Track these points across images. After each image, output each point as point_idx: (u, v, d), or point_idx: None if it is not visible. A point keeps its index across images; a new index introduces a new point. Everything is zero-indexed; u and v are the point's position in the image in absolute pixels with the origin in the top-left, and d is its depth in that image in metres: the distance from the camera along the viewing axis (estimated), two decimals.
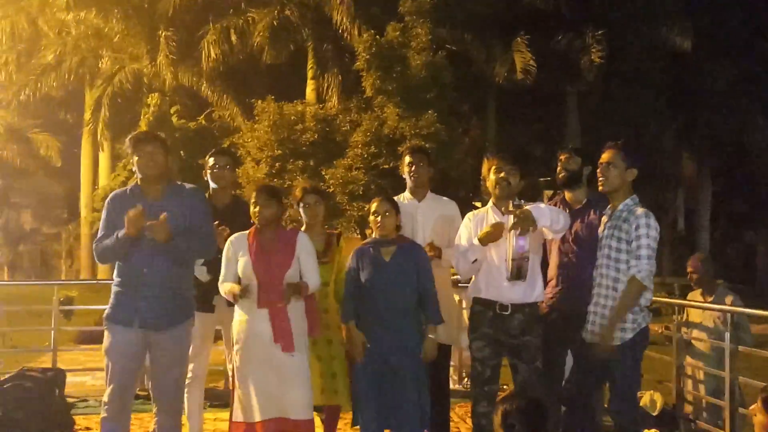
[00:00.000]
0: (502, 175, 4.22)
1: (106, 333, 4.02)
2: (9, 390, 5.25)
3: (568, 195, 4.55)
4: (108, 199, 4.11)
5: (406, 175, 4.85)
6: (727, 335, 4.97)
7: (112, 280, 4.13)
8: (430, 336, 4.21)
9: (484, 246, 4.16)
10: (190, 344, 4.24)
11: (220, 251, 4.28)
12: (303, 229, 4.62)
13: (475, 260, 4.22)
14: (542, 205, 4.17)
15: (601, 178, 4.08)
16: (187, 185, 4.19)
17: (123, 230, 3.84)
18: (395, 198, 4.89)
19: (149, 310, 3.94)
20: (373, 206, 4.31)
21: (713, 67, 20.80)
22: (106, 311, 4.04)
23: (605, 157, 4.08)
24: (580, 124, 19.99)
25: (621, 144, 4.11)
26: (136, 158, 4.01)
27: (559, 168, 4.58)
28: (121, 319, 3.97)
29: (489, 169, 4.30)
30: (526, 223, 3.96)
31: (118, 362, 3.97)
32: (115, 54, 22.06)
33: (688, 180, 24.89)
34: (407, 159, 4.83)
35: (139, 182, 4.07)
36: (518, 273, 4.05)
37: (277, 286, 4.08)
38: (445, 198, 4.94)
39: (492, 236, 4.09)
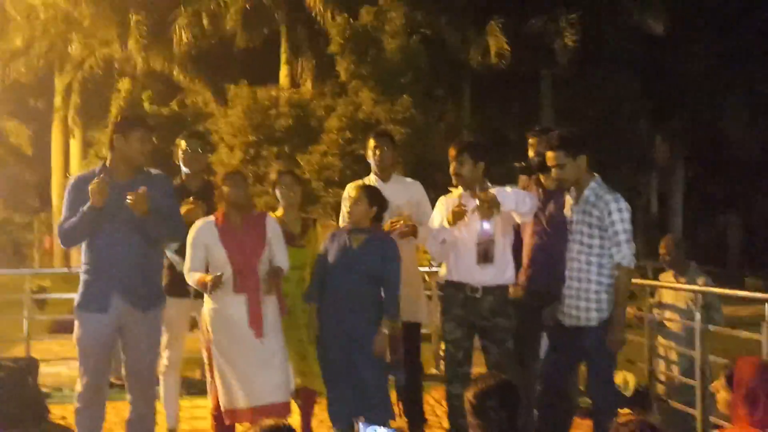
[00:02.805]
0: (453, 166, 4.28)
1: (77, 322, 3.98)
2: None
3: (542, 176, 4.59)
4: (72, 181, 4.04)
5: (370, 159, 4.89)
6: (698, 315, 5.05)
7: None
8: (383, 330, 4.23)
9: (452, 227, 4.20)
10: (161, 330, 4.22)
11: None
12: (280, 212, 4.62)
13: (443, 241, 4.27)
14: (508, 189, 4.23)
15: (556, 177, 4.13)
16: (154, 171, 4.15)
17: (87, 204, 3.77)
18: (360, 181, 4.94)
19: (124, 293, 3.91)
20: (352, 193, 4.38)
21: (689, 49, 20.93)
22: (76, 300, 3.99)
23: (549, 158, 4.12)
24: (555, 108, 20.08)
25: (558, 142, 4.10)
26: (134, 145, 3.92)
27: (531, 152, 4.63)
28: (95, 306, 3.92)
29: (451, 157, 4.34)
30: (490, 207, 4.01)
31: (92, 351, 3.94)
32: (85, 39, 21.70)
33: (661, 163, 25.11)
34: (372, 143, 4.89)
35: (108, 164, 4.01)
36: (485, 256, 4.15)
37: (253, 271, 4.09)
38: (409, 179, 5.02)
39: (454, 220, 4.15)
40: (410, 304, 4.64)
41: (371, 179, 4.88)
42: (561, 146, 4.07)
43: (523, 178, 4.75)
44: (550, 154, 4.11)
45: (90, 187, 3.75)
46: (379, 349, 4.23)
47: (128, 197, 3.75)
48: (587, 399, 4.90)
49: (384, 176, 4.85)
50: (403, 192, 4.80)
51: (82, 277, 4.00)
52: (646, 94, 21.03)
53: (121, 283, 3.92)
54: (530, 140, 4.66)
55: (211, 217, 4.22)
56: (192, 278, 4.15)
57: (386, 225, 4.53)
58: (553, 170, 4.12)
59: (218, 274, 4.01)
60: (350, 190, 4.65)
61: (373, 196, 4.37)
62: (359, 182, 4.74)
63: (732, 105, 21.75)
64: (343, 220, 4.69)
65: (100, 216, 3.81)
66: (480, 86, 19.53)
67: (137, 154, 3.96)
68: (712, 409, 4.69)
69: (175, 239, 4.22)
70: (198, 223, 4.20)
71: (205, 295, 4.21)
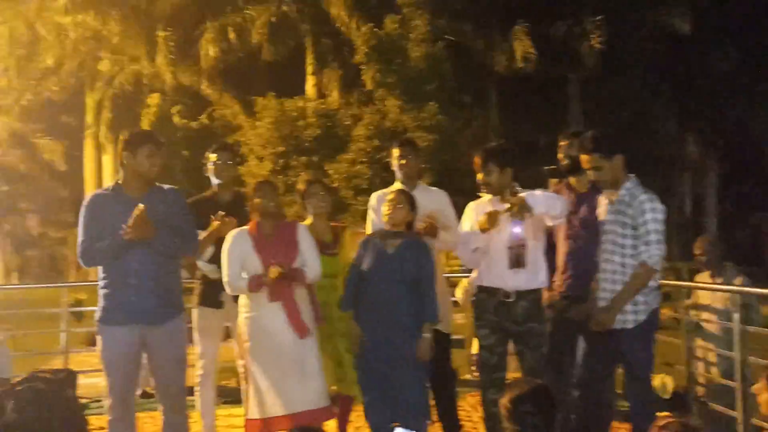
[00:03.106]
0: (480, 176, 4.26)
1: (99, 337, 3.99)
2: (22, 392, 5.25)
3: (572, 180, 4.56)
4: (87, 200, 4.02)
5: (395, 168, 4.86)
6: (737, 316, 4.97)
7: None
8: (425, 335, 4.19)
9: (483, 234, 4.17)
10: (186, 340, 4.22)
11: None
12: (309, 221, 4.64)
13: (476, 249, 4.24)
14: (537, 192, 4.18)
15: (594, 178, 4.09)
16: (165, 186, 4.17)
17: (121, 233, 3.77)
18: (385, 190, 4.93)
19: (144, 305, 3.91)
20: (390, 195, 4.33)
21: (716, 49, 20.70)
22: (97, 314, 3.99)
23: (584, 162, 4.08)
24: (583, 111, 19.94)
25: (593, 144, 4.06)
26: (144, 160, 3.94)
27: (561, 154, 4.59)
28: (117, 319, 3.93)
29: (477, 165, 4.32)
30: (520, 211, 3.98)
31: (117, 364, 3.95)
32: (115, 56, 22.01)
33: (693, 164, 24.78)
34: (396, 152, 4.84)
35: (120, 182, 4.03)
36: (517, 260, 4.11)
37: (287, 278, 4.10)
38: (434, 188, 4.99)
39: (488, 224, 4.11)
40: (443, 314, 4.61)
41: (395, 188, 4.85)
42: (596, 148, 4.03)
43: (553, 181, 4.72)
44: (585, 157, 4.07)
45: (131, 223, 3.75)
46: (423, 353, 4.19)
47: (128, 225, 3.73)
48: (625, 402, 4.85)
49: (410, 185, 4.82)
50: (428, 201, 4.77)
51: (101, 291, 3.99)
52: (674, 94, 20.82)
53: (136, 297, 3.91)
54: (561, 143, 4.62)
55: (245, 228, 4.26)
56: (236, 285, 4.14)
57: (418, 226, 4.52)
58: (589, 173, 4.08)
59: (275, 272, 4.01)
60: (374, 198, 4.65)
61: (412, 200, 4.36)
62: (386, 190, 4.74)
63: (762, 102, 21.43)
64: (372, 227, 4.68)
65: (130, 245, 3.82)
66: (506, 91, 19.46)
67: (147, 169, 3.96)
68: (754, 411, 4.61)
69: (188, 251, 4.21)
70: (232, 233, 4.24)
71: (240, 304, 4.23)
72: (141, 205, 3.78)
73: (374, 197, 4.73)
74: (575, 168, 4.50)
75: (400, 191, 4.39)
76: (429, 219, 4.47)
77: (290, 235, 4.25)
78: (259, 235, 4.20)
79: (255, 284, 4.09)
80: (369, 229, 4.68)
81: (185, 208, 4.17)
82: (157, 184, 4.12)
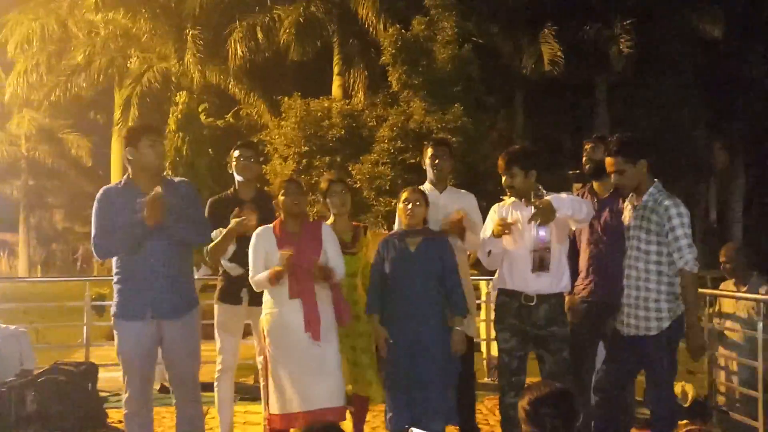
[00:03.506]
0: (504, 179, 4.23)
1: (116, 331, 4.03)
2: (44, 384, 5.35)
3: (595, 184, 4.54)
4: (99, 194, 4.04)
5: (428, 167, 4.88)
6: (761, 325, 4.91)
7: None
8: (457, 328, 4.22)
9: (496, 238, 4.15)
10: (199, 335, 4.24)
11: (246, 242, 4.29)
12: (331, 220, 4.66)
13: (489, 252, 4.22)
14: (563, 195, 4.12)
15: (617, 182, 4.06)
16: (177, 178, 4.22)
17: (139, 216, 3.79)
18: None
19: (160, 299, 3.94)
20: (404, 195, 4.36)
21: (747, 54, 20.45)
22: (113, 310, 4.03)
23: (608, 165, 4.05)
24: (610, 115, 19.75)
25: (618, 148, 4.03)
26: (145, 151, 3.95)
27: (584, 158, 4.57)
28: (133, 313, 3.96)
29: (500, 168, 4.29)
30: (545, 214, 3.94)
31: (134, 359, 3.98)
32: (144, 54, 22.23)
33: (720, 170, 24.50)
34: (430, 151, 4.86)
35: (131, 176, 4.05)
36: (541, 264, 4.06)
37: (309, 276, 4.12)
38: (463, 191, 4.99)
39: (497, 231, 4.10)
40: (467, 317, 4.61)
41: (426, 188, 4.85)
42: (620, 151, 4.00)
43: (577, 186, 4.69)
44: (609, 160, 4.04)
45: (145, 207, 3.77)
46: (458, 346, 4.22)
47: (142, 205, 3.76)
48: (645, 410, 4.81)
49: (440, 186, 4.83)
50: (457, 203, 4.77)
51: (116, 286, 4.03)
52: (704, 100, 20.59)
53: (150, 291, 3.94)
54: (586, 147, 4.59)
55: (270, 225, 4.28)
56: (259, 280, 4.17)
57: (443, 223, 4.52)
58: (613, 176, 4.05)
59: (286, 254, 4.02)
60: (405, 194, 4.64)
61: (425, 195, 4.38)
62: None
63: None
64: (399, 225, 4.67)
65: (146, 233, 3.85)
66: (533, 94, 19.37)
67: (151, 160, 3.98)
68: None
69: (200, 241, 4.24)
70: (258, 231, 4.27)
71: (263, 301, 4.25)
72: (158, 188, 3.81)
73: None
74: (598, 172, 4.47)
75: (413, 189, 4.41)
76: (458, 216, 4.47)
77: (314, 233, 4.27)
78: (283, 233, 4.22)
79: (274, 276, 4.09)
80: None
81: (196, 200, 4.21)
82: (169, 177, 4.17)
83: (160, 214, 3.80)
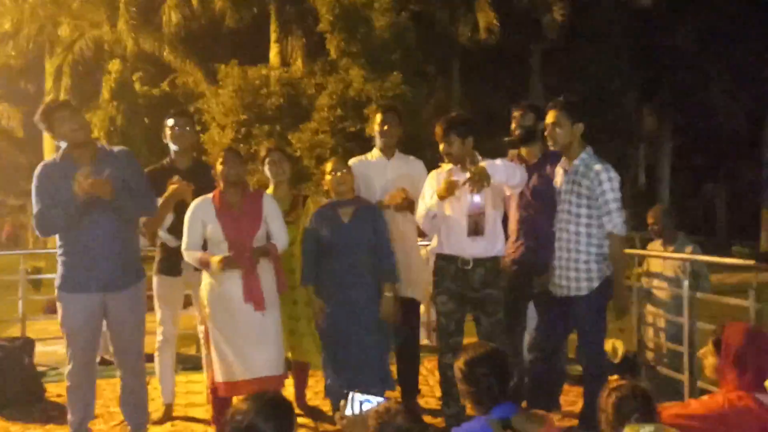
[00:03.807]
0: (441, 146, 4.24)
1: (59, 303, 3.97)
2: None
3: (524, 150, 4.56)
4: (37, 170, 3.96)
5: (376, 134, 4.85)
6: (686, 283, 5.06)
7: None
8: (387, 294, 4.24)
9: (441, 201, 4.18)
10: (146, 306, 4.20)
11: (184, 211, 4.22)
12: (271, 188, 4.60)
13: (434, 216, 4.25)
14: (497, 162, 4.16)
15: (551, 138, 4.11)
16: (116, 147, 4.12)
17: (69, 197, 3.74)
18: (362, 157, 4.91)
19: (105, 271, 3.90)
20: (329, 166, 4.35)
21: (676, 24, 20.91)
22: (57, 281, 3.96)
23: (549, 118, 4.11)
24: (544, 83, 20.01)
25: (562, 102, 4.12)
26: (62, 128, 3.89)
27: (513, 125, 4.58)
28: (78, 286, 3.91)
29: (438, 134, 4.30)
30: (480, 180, 3.98)
31: (77, 331, 3.94)
32: (75, 21, 21.50)
33: (649, 135, 25.12)
34: (378, 118, 4.84)
35: (66, 150, 3.96)
36: (476, 228, 4.10)
37: (248, 248, 4.06)
38: (411, 157, 4.95)
39: (446, 192, 4.12)
40: (411, 282, 4.65)
41: (374, 154, 4.85)
42: (564, 108, 4.06)
43: (513, 152, 4.72)
44: (551, 113, 4.08)
45: (75, 181, 3.70)
46: (387, 311, 4.24)
47: (89, 183, 3.69)
48: (578, 366, 4.94)
49: (389, 153, 4.81)
50: (406, 169, 4.77)
51: (60, 258, 3.96)
52: (634, 68, 21.00)
53: (96, 263, 3.89)
54: (515, 113, 4.61)
55: (209, 195, 4.19)
56: (192, 257, 4.09)
57: (385, 199, 4.52)
58: (549, 129, 4.09)
59: (226, 255, 3.98)
60: (330, 164, 4.61)
61: (350, 164, 4.38)
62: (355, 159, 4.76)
63: (717, 77, 21.77)
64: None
65: (82, 206, 3.77)
66: (470, 63, 19.43)
67: (68, 134, 3.90)
68: (700, 374, 4.72)
69: (147, 213, 4.21)
70: (196, 201, 4.18)
71: (203, 272, 4.19)
72: (108, 171, 3.73)
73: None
74: (527, 138, 4.52)
75: (337, 159, 4.43)
76: (400, 194, 4.46)
77: (255, 204, 4.19)
78: (223, 203, 4.14)
79: (203, 264, 4.05)
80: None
81: (138, 169, 4.13)
82: (105, 146, 4.07)
83: (100, 189, 3.72)
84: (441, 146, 4.24)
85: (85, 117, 4.04)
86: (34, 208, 3.91)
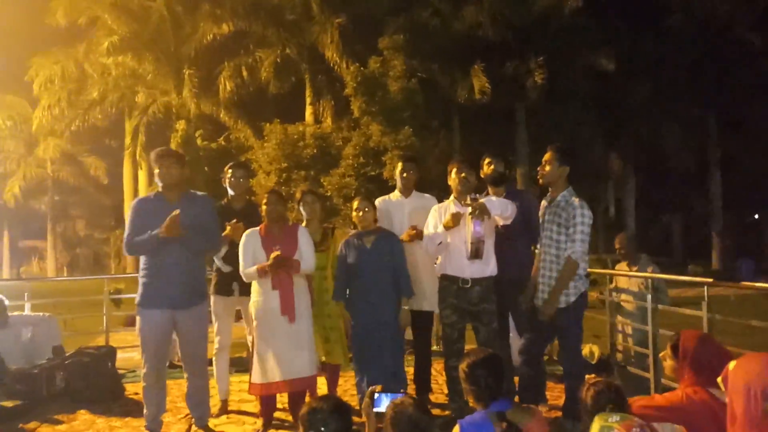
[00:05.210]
0: (463, 175, 4.24)
1: (138, 317, 3.99)
2: (71, 364, 5.23)
3: (492, 190, 4.53)
4: (134, 203, 4.07)
5: (398, 178, 4.92)
6: (649, 297, 5.00)
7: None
8: (404, 307, 4.27)
9: (447, 231, 4.17)
10: (208, 321, 4.23)
11: (235, 245, 4.27)
12: (304, 224, 4.63)
13: (440, 243, 4.24)
14: (493, 198, 4.18)
15: (541, 173, 4.11)
16: (199, 193, 4.17)
17: (157, 231, 3.81)
18: (386, 197, 4.96)
19: (175, 293, 3.93)
20: (355, 204, 4.40)
21: (634, 82, 20.96)
22: (137, 299, 3.99)
23: (546, 156, 4.11)
24: (528, 134, 20.06)
25: (558, 147, 4.14)
26: (157, 170, 3.99)
27: (487, 169, 4.56)
28: (153, 303, 3.94)
29: (452, 171, 4.32)
30: (481, 213, 3.98)
31: (151, 340, 3.95)
32: (149, 90, 21.90)
33: (615, 175, 25.00)
34: (400, 166, 4.92)
35: (160, 189, 4.04)
36: (476, 253, 4.06)
37: (285, 265, 4.08)
38: (427, 195, 5.00)
39: (452, 223, 4.11)
40: (429, 297, 4.62)
41: (395, 195, 4.92)
42: (558, 151, 4.08)
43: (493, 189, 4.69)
44: (549, 152, 4.08)
45: (166, 223, 3.76)
46: (404, 321, 4.27)
47: (162, 226, 3.75)
48: (559, 367, 4.87)
49: (407, 193, 4.88)
50: (419, 204, 4.79)
51: (141, 280, 4.00)
52: (600, 119, 20.99)
53: (171, 285, 3.92)
54: (487, 160, 4.59)
55: (257, 228, 4.25)
56: (248, 272, 4.13)
57: (404, 236, 4.54)
58: (542, 165, 4.09)
59: (275, 254, 3.99)
60: (356, 203, 4.63)
61: (371, 201, 4.42)
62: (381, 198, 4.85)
63: (670, 126, 21.71)
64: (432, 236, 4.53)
65: (162, 238, 3.83)
66: (467, 118, 19.54)
67: (170, 177, 3.97)
68: (662, 373, 4.64)
69: (213, 248, 4.23)
70: (247, 233, 4.24)
71: (252, 291, 4.21)
72: (177, 211, 3.78)
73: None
74: (499, 180, 4.53)
75: (361, 198, 4.45)
76: (410, 232, 4.53)
77: (292, 234, 4.24)
78: (267, 234, 4.19)
79: (261, 270, 4.08)
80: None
81: (213, 212, 4.17)
82: (192, 191, 4.12)
83: (176, 230, 3.78)
84: (461, 175, 4.22)
85: (183, 168, 4.06)
86: (126, 232, 3.97)
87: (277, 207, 4.21)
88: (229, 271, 4.48)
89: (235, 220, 4.41)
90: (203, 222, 3.99)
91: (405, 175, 4.85)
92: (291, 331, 4.10)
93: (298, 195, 4.76)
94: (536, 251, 4.20)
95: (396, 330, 4.24)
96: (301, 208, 4.68)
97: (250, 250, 4.16)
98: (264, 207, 4.22)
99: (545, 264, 4.08)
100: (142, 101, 21.85)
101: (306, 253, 4.21)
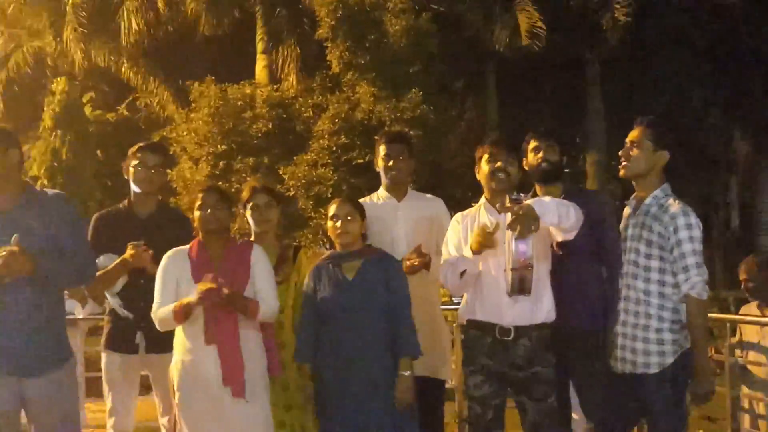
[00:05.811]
0: (498, 164, 4.23)
1: None
2: None
3: (541, 190, 4.50)
4: None
5: (381, 170, 4.89)
6: None
7: None
8: (403, 374, 4.18)
9: (476, 255, 4.13)
10: (76, 393, 4.17)
11: (141, 276, 4.25)
12: (251, 239, 4.63)
13: (464, 272, 4.18)
14: (547, 199, 4.07)
15: (622, 161, 4.13)
16: (49, 191, 4.12)
17: None
18: (367, 197, 4.95)
19: (19, 350, 3.83)
20: (332, 209, 4.36)
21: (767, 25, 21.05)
22: None
23: (632, 135, 4.15)
24: (604, 100, 20.06)
25: (651, 121, 4.17)
26: None
27: (534, 158, 4.54)
28: None
29: (482, 158, 4.32)
30: (527, 222, 3.87)
31: None
32: (10, 29, 21.95)
33: (741, 166, 25.08)
34: (382, 150, 4.86)
35: None
36: (520, 286, 3.95)
37: (230, 316, 4.08)
38: (429, 195, 5.00)
39: (484, 241, 4.04)
40: (432, 357, 4.60)
41: (381, 195, 4.89)
42: (653, 126, 4.12)
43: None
44: (635, 130, 4.12)
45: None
46: (404, 397, 4.17)
47: None
48: None
49: (398, 193, 4.84)
50: (420, 211, 4.79)
51: None
52: (718, 79, 21.03)
53: (11, 343, 3.83)
54: (535, 144, 4.52)
55: (185, 247, 4.25)
56: (162, 316, 4.10)
57: (405, 266, 4.50)
58: (624, 149, 4.13)
59: (205, 286, 3.95)
60: (333, 207, 4.62)
61: (359, 205, 4.40)
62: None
63: None
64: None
65: None
66: (509, 76, 19.59)
67: None
68: None
69: (81, 281, 4.17)
70: (169, 253, 4.23)
71: (174, 345, 4.21)
72: (15, 237, 3.63)
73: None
74: (553, 175, 4.49)
75: (341, 200, 4.40)
76: (415, 255, 4.47)
77: (242, 257, 4.24)
78: (201, 257, 4.18)
79: (182, 311, 4.03)
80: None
81: (73, 221, 4.04)
82: (38, 188, 4.06)
83: (21, 267, 3.65)
84: (495, 164, 4.24)
85: (15, 149, 3.95)
86: None
87: (217, 212, 4.21)
88: (128, 317, 4.48)
89: (137, 243, 4.39)
90: (61, 241, 3.91)
91: (391, 163, 4.82)
92: (235, 410, 4.08)
93: (244, 194, 4.77)
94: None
95: (391, 407, 4.19)
96: (248, 216, 4.68)
97: (173, 280, 4.15)
98: (196, 213, 4.21)
99: (628, 305, 4.11)
100: None
101: (265, 290, 4.22)
